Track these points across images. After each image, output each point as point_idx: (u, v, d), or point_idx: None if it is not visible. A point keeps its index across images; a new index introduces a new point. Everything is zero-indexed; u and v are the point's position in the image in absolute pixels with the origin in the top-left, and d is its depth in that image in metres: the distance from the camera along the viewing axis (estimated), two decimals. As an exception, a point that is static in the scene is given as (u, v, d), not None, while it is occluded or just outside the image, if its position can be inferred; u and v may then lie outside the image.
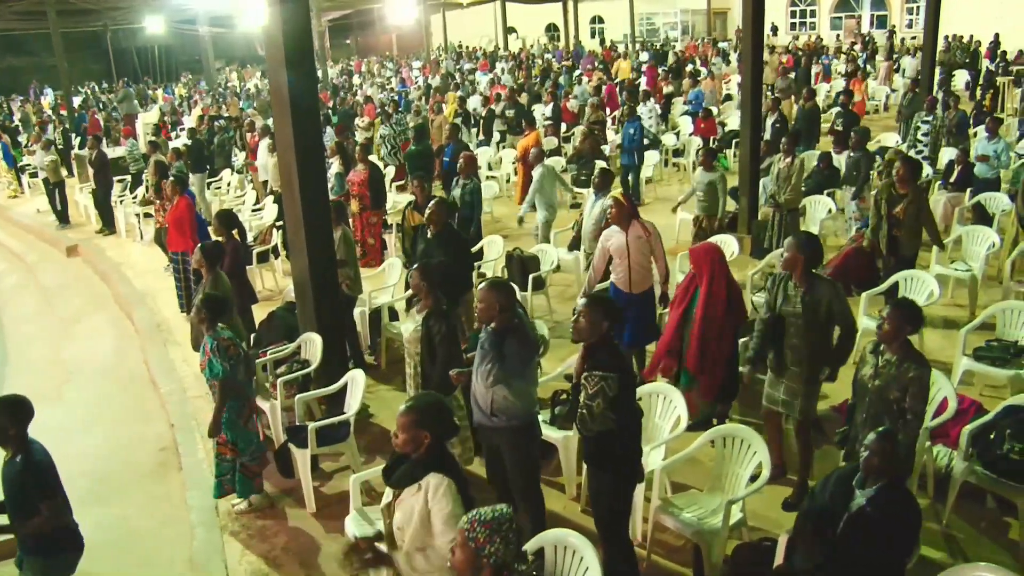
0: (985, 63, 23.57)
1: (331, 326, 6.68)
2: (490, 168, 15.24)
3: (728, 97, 20.47)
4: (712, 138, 15.47)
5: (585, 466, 4.64)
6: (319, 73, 30.50)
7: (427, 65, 33.76)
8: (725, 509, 4.56)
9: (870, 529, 3.68)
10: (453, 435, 3.64)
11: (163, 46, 43.25)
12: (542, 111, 18.17)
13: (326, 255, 6.64)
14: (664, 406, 5.47)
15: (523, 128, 14.35)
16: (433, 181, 9.97)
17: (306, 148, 6.27)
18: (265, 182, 13.65)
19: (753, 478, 4.74)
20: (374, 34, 49.66)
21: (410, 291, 5.84)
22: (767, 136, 12.55)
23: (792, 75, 20.48)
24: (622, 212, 6.73)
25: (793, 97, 17.95)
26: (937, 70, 19.25)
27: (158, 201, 10.85)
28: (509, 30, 38.90)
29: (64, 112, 24.89)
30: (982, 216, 9.77)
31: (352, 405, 5.99)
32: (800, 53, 26.55)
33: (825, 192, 10.68)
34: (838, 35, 36.07)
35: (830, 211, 10.21)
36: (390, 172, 14.91)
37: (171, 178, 9.96)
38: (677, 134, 16.58)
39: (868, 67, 23.88)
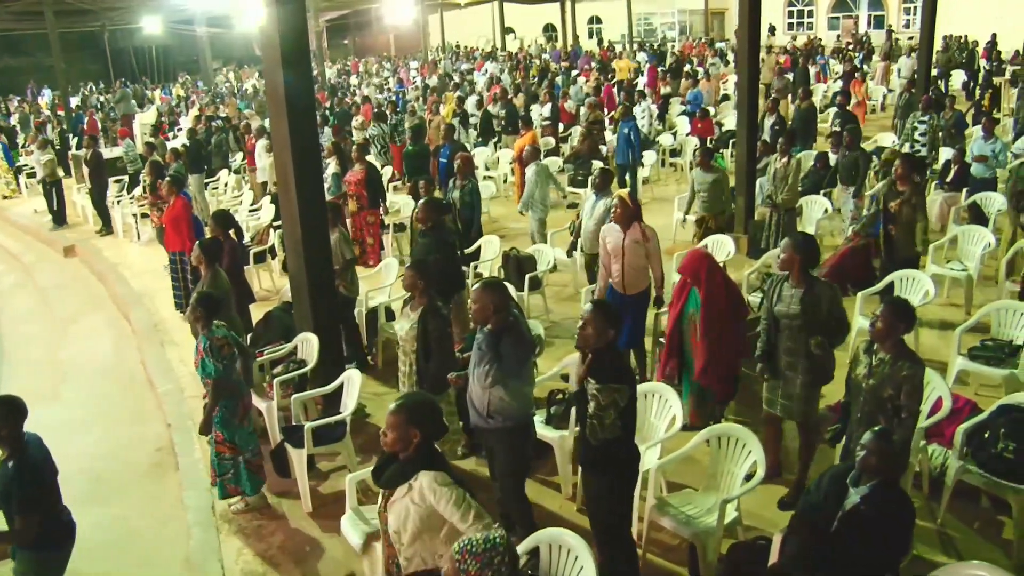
0: (982, 63, 23.57)
1: (327, 326, 6.69)
2: (488, 168, 15.26)
3: (725, 97, 20.49)
4: (709, 138, 15.49)
5: (581, 470, 4.62)
6: (316, 73, 30.54)
7: (425, 65, 33.76)
8: (720, 508, 4.58)
9: (864, 527, 3.69)
10: (443, 434, 3.63)
11: (160, 46, 43.26)
12: (539, 111, 18.19)
13: (322, 255, 6.65)
14: (660, 406, 5.48)
15: (519, 128, 14.36)
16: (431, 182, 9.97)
17: (302, 148, 6.28)
18: (264, 183, 13.66)
19: (748, 477, 4.75)
20: (372, 34, 49.68)
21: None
22: (766, 137, 12.56)
23: (789, 75, 20.50)
24: (625, 212, 6.75)
25: (790, 97, 17.97)
26: (935, 70, 19.31)
27: (152, 200, 10.87)
28: (507, 30, 38.90)
29: (61, 112, 24.87)
30: (978, 216, 9.80)
31: (348, 405, 6.00)
32: (798, 53, 26.58)
33: (822, 192, 10.70)
34: (837, 36, 36.07)
35: (826, 211, 10.23)
36: (387, 172, 14.94)
37: (167, 178, 9.98)
38: (674, 134, 16.60)
39: (865, 67, 23.88)
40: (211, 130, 17.28)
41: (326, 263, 6.73)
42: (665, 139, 16.16)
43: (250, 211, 13.14)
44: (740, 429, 4.95)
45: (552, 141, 16.45)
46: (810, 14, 39.03)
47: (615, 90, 20.34)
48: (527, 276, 8.73)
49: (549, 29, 43.80)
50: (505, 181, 14.96)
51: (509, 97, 18.56)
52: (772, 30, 34.03)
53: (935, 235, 9.99)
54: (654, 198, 13.87)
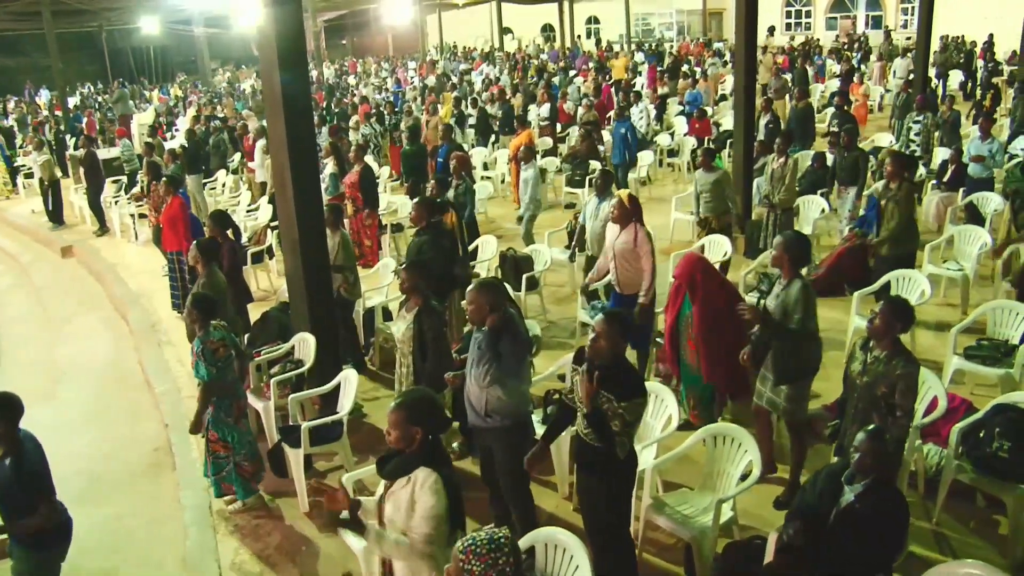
0: (980, 63, 23.60)
1: (325, 326, 6.69)
2: (486, 168, 15.27)
3: (723, 97, 20.51)
4: (707, 138, 15.51)
5: (577, 472, 4.56)
6: (314, 74, 30.53)
7: (423, 65, 33.76)
8: (716, 508, 4.59)
9: (858, 525, 3.70)
10: (445, 429, 3.65)
11: (158, 47, 43.16)
12: (537, 112, 18.20)
13: (319, 255, 6.65)
14: (656, 406, 5.49)
15: (515, 128, 14.39)
16: (428, 182, 9.99)
17: (299, 149, 6.28)
18: (263, 183, 13.66)
19: (744, 477, 4.76)
20: (370, 34, 49.66)
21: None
22: (760, 136, 12.58)
23: (787, 76, 20.52)
24: (621, 212, 6.77)
25: (787, 97, 17.99)
26: (932, 70, 19.33)
27: (147, 200, 10.88)
28: (505, 31, 38.89)
29: (59, 112, 24.85)
30: (974, 216, 9.81)
31: (345, 405, 6.01)
32: (795, 53, 26.60)
33: (819, 192, 10.71)
34: (836, 36, 36.09)
35: (823, 211, 10.25)
36: (385, 172, 14.95)
37: (164, 179, 9.99)
38: (672, 134, 16.61)
39: (862, 67, 23.92)
40: (209, 130, 17.28)
41: (323, 263, 6.74)
42: (663, 139, 16.17)
43: (248, 211, 13.14)
44: (736, 429, 4.96)
45: (550, 141, 16.47)
46: (808, 14, 39.06)
47: (613, 90, 20.35)
48: (524, 276, 8.74)
49: (547, 29, 43.81)
50: (503, 181, 14.97)
51: (507, 97, 18.57)
52: (772, 31, 34.07)
53: (932, 235, 10.04)
54: (651, 198, 13.86)
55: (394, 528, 3.47)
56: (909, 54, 19.95)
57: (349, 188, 10.70)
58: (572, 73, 25.97)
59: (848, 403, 4.68)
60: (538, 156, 11.41)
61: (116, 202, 14.49)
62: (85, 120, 23.06)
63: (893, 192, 7.70)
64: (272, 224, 10.73)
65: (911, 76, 16.86)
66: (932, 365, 6.28)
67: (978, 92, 19.11)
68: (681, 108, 18.74)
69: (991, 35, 25.26)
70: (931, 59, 18.72)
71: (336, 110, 20.58)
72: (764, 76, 20.26)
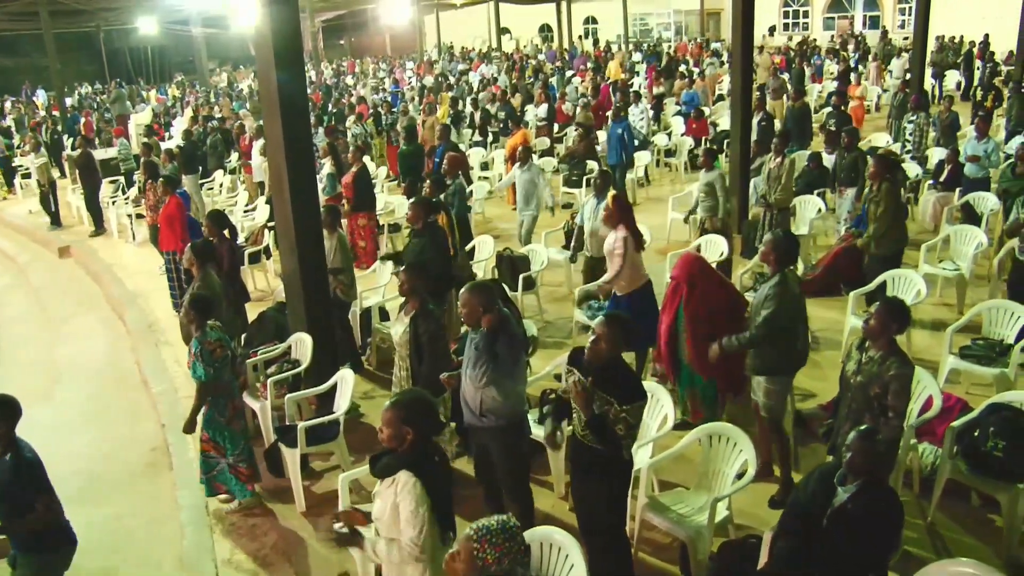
0: (978, 64, 23.61)
1: (321, 326, 6.70)
2: (484, 168, 15.28)
3: (721, 97, 20.53)
4: (704, 138, 15.53)
5: (573, 473, 4.56)
6: (312, 74, 30.52)
7: (421, 65, 33.76)
8: (711, 507, 4.60)
9: (851, 526, 3.71)
10: (438, 432, 3.66)
11: (156, 47, 43.19)
12: (534, 112, 18.20)
13: (316, 255, 6.65)
14: (652, 405, 5.49)
15: (511, 128, 14.41)
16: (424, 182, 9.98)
17: (296, 149, 6.28)
18: (261, 183, 13.66)
19: (740, 476, 4.77)
20: (368, 35, 49.66)
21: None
22: (754, 135, 12.57)
23: (785, 75, 20.54)
24: (607, 214, 6.84)
25: (785, 97, 18.00)
26: (929, 71, 19.34)
27: (151, 204, 10.88)
28: (503, 31, 38.90)
29: (56, 113, 24.84)
30: (970, 216, 9.83)
31: (342, 405, 6.02)
32: (792, 53, 26.63)
33: (815, 192, 10.72)
34: (836, 36, 36.12)
35: (820, 211, 10.26)
36: (382, 173, 14.95)
37: (161, 178, 9.99)
38: (669, 134, 16.63)
39: (860, 67, 23.94)
40: (206, 130, 17.27)
41: (320, 263, 6.74)
42: (660, 139, 16.19)
43: (245, 211, 13.14)
44: (731, 428, 4.97)
45: (547, 141, 16.48)
46: (805, 14, 39.11)
47: (611, 90, 20.37)
48: (521, 276, 8.75)
49: (545, 29, 43.82)
50: (500, 181, 14.96)
51: (507, 98, 18.58)
52: (772, 31, 34.11)
53: (928, 235, 10.06)
54: (648, 198, 13.90)
55: (381, 524, 3.50)
56: (906, 54, 19.96)
57: (345, 188, 10.71)
58: (570, 73, 25.98)
59: (842, 403, 4.70)
60: (535, 156, 11.39)
61: (113, 202, 14.49)
62: (83, 120, 23.05)
63: (875, 193, 7.74)
64: (269, 224, 10.73)
65: (908, 76, 16.87)
66: (928, 364, 6.30)
67: (978, 93, 19.10)
68: (678, 108, 18.75)
69: (987, 35, 25.26)
70: (927, 59, 18.74)
71: (333, 110, 20.58)
72: (762, 76, 20.29)
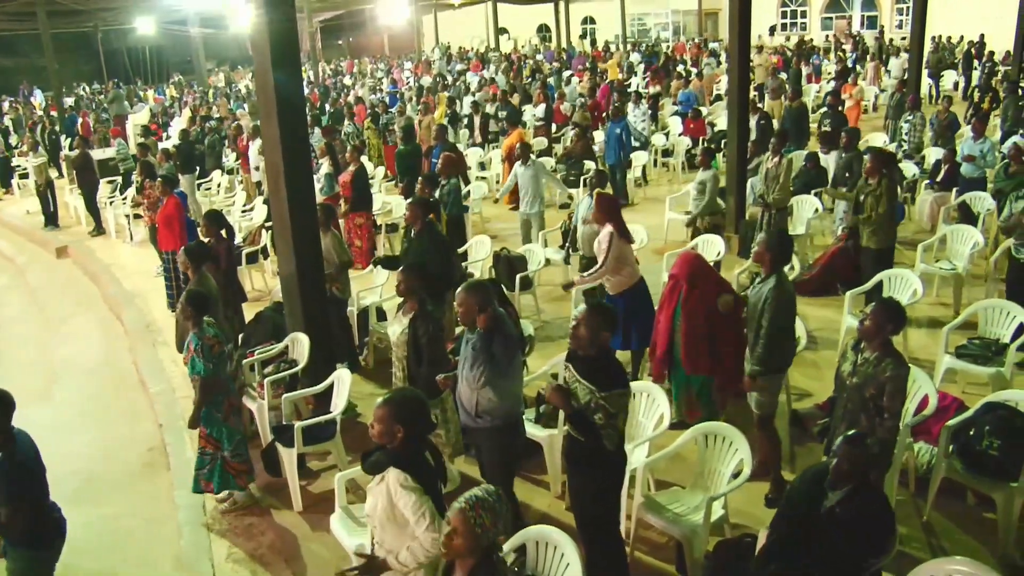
0: (975, 64, 23.63)
1: (318, 326, 6.70)
2: (483, 168, 15.28)
3: (718, 98, 20.55)
4: (701, 138, 15.55)
5: (567, 466, 4.61)
6: (311, 74, 30.51)
7: (419, 65, 33.77)
8: (707, 506, 4.60)
9: (840, 529, 3.69)
10: (428, 432, 3.69)
11: (154, 47, 43.18)
12: (532, 112, 18.20)
13: (313, 255, 6.66)
14: (648, 404, 5.51)
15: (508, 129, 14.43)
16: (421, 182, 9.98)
17: (293, 149, 6.29)
18: (259, 183, 13.66)
19: (736, 475, 4.78)
20: (366, 35, 49.66)
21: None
22: (753, 135, 12.59)
23: (783, 75, 20.55)
24: (593, 212, 6.87)
25: (783, 97, 18.02)
26: (925, 71, 19.35)
27: (143, 201, 10.89)
28: (501, 31, 38.92)
29: (54, 113, 24.82)
30: (967, 215, 9.85)
31: (338, 404, 6.02)
32: (790, 53, 26.64)
33: (812, 192, 10.73)
34: (835, 36, 36.14)
35: (817, 210, 10.27)
36: (380, 173, 14.95)
37: (159, 178, 10.00)
38: (666, 134, 16.65)
39: (858, 67, 23.97)
40: (204, 131, 17.26)
41: (317, 263, 6.75)
42: (657, 139, 16.20)
43: (243, 212, 13.14)
44: (727, 427, 4.98)
45: (545, 141, 16.48)
46: (803, 14, 39.14)
47: (610, 90, 20.36)
48: (518, 276, 8.75)
49: (543, 29, 43.83)
50: (497, 182, 14.97)
51: (507, 98, 18.55)
52: (772, 31, 34.14)
53: (925, 234, 10.08)
54: (646, 198, 13.90)
55: (373, 519, 3.52)
56: (905, 54, 19.97)
57: (343, 187, 10.72)
58: (568, 73, 25.98)
59: (838, 403, 4.70)
60: (532, 156, 11.39)
61: (111, 203, 14.49)
62: (81, 121, 23.03)
63: (872, 187, 7.76)
64: (267, 224, 10.73)
65: (906, 76, 16.88)
66: (924, 363, 6.31)
67: (976, 94, 19.11)
68: (676, 108, 18.76)
69: (982, 35, 25.27)
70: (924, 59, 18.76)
71: (331, 110, 20.58)
72: (760, 76, 20.32)
